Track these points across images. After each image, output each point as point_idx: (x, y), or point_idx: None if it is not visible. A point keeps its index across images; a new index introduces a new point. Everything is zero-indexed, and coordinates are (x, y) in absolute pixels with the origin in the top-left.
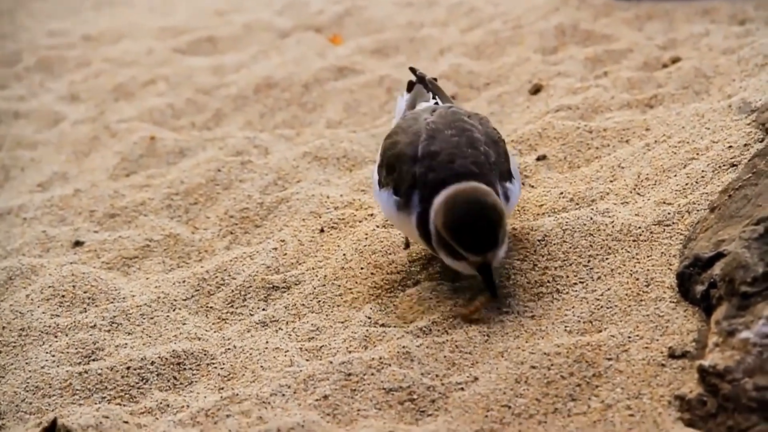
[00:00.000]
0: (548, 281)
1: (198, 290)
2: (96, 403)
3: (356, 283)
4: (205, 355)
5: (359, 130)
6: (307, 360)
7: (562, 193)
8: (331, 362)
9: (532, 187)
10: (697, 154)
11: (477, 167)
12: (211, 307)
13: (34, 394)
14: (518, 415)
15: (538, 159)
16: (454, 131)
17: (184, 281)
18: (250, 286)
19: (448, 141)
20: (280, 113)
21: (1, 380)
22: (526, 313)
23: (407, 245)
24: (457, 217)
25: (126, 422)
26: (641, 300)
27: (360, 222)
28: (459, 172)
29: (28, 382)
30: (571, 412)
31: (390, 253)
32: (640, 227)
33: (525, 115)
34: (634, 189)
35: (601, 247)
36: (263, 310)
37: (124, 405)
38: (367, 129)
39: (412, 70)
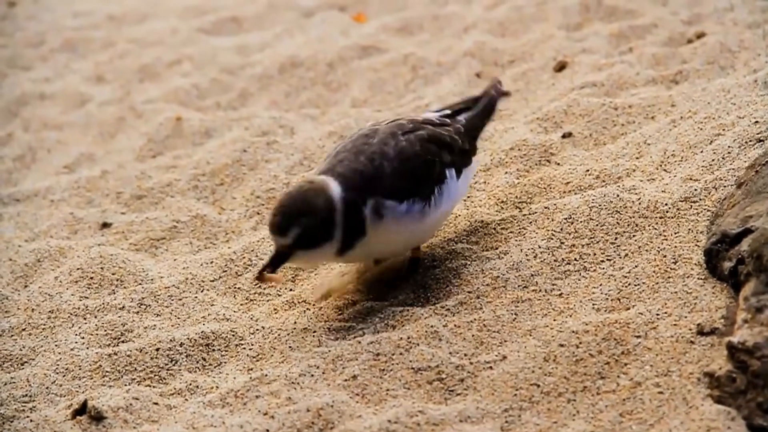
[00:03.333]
0: (575, 259)
1: (226, 271)
2: (126, 385)
3: (383, 263)
4: (233, 336)
5: (384, 109)
6: (335, 340)
7: (588, 170)
8: (359, 342)
9: (558, 164)
10: (723, 129)
11: (349, 173)
12: (238, 288)
13: (64, 376)
14: (547, 393)
15: (563, 136)
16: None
17: (211, 262)
18: None
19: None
20: (305, 92)
21: (31, 362)
22: (553, 291)
23: None
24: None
25: (156, 404)
26: (669, 277)
27: None
28: (329, 167)
29: (58, 364)
30: (600, 389)
31: None
32: (666, 204)
33: (550, 93)
34: (661, 165)
35: (628, 225)
36: (290, 290)
37: (154, 386)
38: (392, 108)
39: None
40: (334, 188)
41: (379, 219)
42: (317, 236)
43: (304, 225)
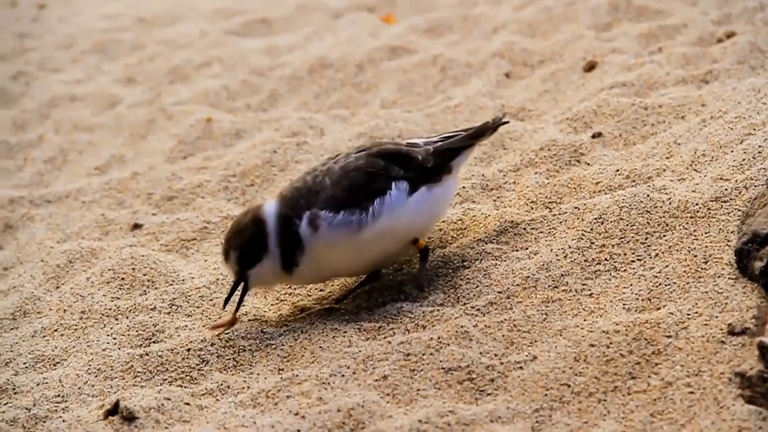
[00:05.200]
0: (605, 259)
1: None
2: (157, 385)
3: (413, 263)
4: (264, 336)
5: (414, 110)
6: (365, 340)
7: (618, 170)
8: (389, 342)
9: (588, 164)
10: (754, 129)
11: (289, 192)
12: (269, 289)
13: (96, 376)
14: (578, 393)
15: (593, 136)
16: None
17: None
18: None
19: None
20: (335, 93)
21: (63, 363)
22: (583, 291)
23: None
24: None
25: (187, 404)
26: (700, 277)
27: None
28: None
29: (90, 365)
30: (631, 389)
31: (444, 233)
32: (697, 204)
33: (579, 93)
34: (691, 165)
35: (659, 224)
36: (320, 291)
37: (185, 387)
38: (421, 109)
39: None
40: (268, 207)
41: (315, 231)
42: (253, 252)
43: (238, 245)
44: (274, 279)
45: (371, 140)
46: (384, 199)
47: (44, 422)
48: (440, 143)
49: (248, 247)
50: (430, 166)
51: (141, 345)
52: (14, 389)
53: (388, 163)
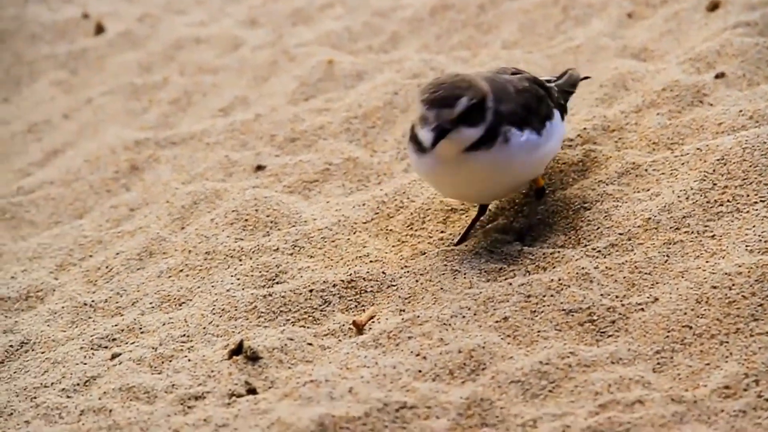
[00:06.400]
0: (728, 200)
1: (377, 213)
2: (280, 326)
3: (533, 204)
4: (385, 277)
5: (535, 50)
6: (486, 282)
7: (741, 110)
8: (510, 284)
9: (711, 105)
10: None
11: (491, 84)
12: (390, 230)
13: (220, 316)
14: (699, 335)
15: (716, 77)
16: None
17: (363, 204)
18: (429, 209)
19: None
20: (456, 35)
21: (188, 303)
22: (705, 232)
23: None
24: (431, 80)
25: (310, 344)
26: None
27: None
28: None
29: (214, 305)
30: (753, 331)
31: (564, 175)
32: None
33: (702, 32)
34: None
35: None
36: (441, 232)
37: (308, 327)
38: (542, 50)
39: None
40: (485, 88)
41: (505, 142)
42: (480, 113)
43: (470, 97)
44: (453, 154)
45: (508, 65)
46: (553, 123)
47: (170, 361)
48: (556, 82)
49: (480, 105)
50: (561, 103)
51: (264, 286)
52: (141, 329)
53: (544, 91)
